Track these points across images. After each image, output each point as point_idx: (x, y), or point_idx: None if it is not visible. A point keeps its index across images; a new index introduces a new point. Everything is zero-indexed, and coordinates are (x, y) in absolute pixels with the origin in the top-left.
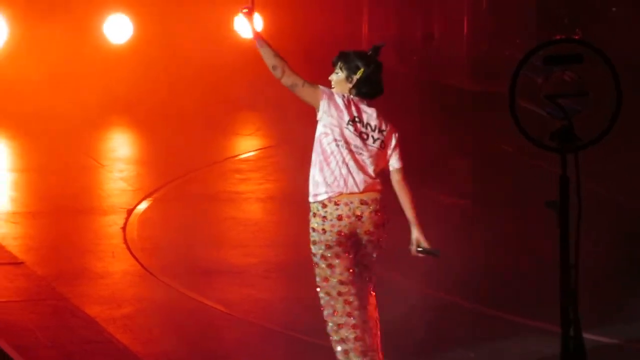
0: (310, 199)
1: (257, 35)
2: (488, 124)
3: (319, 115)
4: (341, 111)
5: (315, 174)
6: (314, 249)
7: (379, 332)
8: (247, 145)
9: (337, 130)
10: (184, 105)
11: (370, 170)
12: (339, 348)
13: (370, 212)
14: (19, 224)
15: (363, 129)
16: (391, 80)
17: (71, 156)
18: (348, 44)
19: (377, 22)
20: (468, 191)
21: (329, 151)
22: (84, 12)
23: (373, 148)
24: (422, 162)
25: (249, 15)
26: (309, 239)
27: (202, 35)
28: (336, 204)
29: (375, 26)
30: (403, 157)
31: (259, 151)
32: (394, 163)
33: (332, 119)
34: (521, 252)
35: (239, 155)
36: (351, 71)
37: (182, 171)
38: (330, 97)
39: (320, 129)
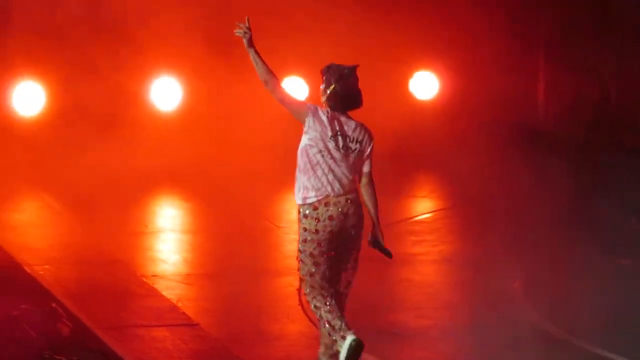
0: (299, 201)
1: (254, 48)
2: None
3: (305, 129)
4: (325, 127)
5: (303, 181)
6: (303, 246)
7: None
8: (422, 207)
9: (321, 143)
10: None
11: (351, 174)
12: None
13: (355, 208)
14: (194, 285)
15: (344, 142)
16: (566, 142)
17: (247, 218)
18: (522, 107)
19: (553, 85)
20: None
21: (315, 161)
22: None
23: (352, 157)
24: (595, 222)
25: (244, 35)
26: (298, 239)
27: (381, 94)
28: (326, 205)
29: (551, 89)
30: (373, 164)
31: (433, 213)
32: (365, 168)
33: (316, 133)
34: None
35: (414, 217)
36: (327, 84)
37: None
38: (315, 113)
39: (305, 140)
